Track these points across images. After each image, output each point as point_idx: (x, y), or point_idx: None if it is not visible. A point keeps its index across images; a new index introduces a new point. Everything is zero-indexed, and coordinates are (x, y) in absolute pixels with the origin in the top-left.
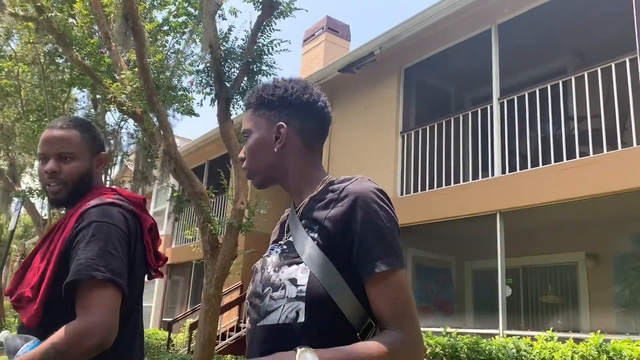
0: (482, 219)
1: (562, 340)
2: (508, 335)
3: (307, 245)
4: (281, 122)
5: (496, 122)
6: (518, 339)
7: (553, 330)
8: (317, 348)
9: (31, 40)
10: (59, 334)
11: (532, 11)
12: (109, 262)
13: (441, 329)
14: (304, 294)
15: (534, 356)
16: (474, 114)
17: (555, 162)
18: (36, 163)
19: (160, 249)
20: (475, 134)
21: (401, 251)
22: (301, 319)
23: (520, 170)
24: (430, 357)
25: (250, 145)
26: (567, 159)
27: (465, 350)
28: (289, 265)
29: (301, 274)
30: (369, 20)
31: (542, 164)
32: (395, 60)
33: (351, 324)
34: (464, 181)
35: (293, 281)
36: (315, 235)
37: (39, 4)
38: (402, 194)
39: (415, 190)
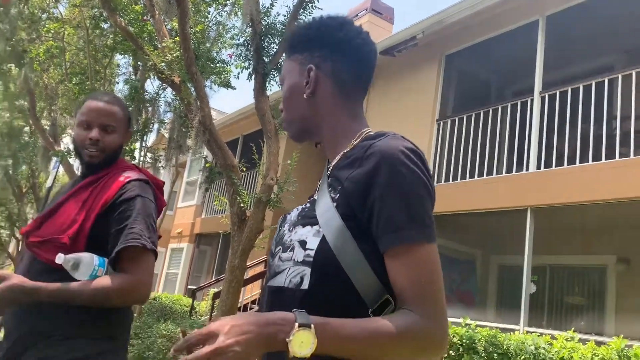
0: (513, 213)
1: (584, 342)
2: (528, 332)
3: (325, 206)
4: (310, 65)
5: (535, 116)
6: (538, 336)
7: (574, 331)
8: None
9: (78, 4)
10: (111, 281)
11: (583, 5)
12: (152, 234)
13: (460, 320)
14: (310, 259)
15: (553, 355)
16: (514, 106)
17: (593, 161)
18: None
19: (190, 218)
20: (513, 126)
21: (432, 223)
22: (304, 285)
23: (555, 167)
24: (447, 347)
25: (283, 93)
26: (606, 159)
27: (483, 342)
28: (303, 225)
29: (312, 237)
30: (414, 3)
31: (579, 162)
32: (437, 46)
33: (363, 298)
34: (497, 174)
35: (302, 243)
36: (337, 196)
37: None
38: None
39: (447, 179)
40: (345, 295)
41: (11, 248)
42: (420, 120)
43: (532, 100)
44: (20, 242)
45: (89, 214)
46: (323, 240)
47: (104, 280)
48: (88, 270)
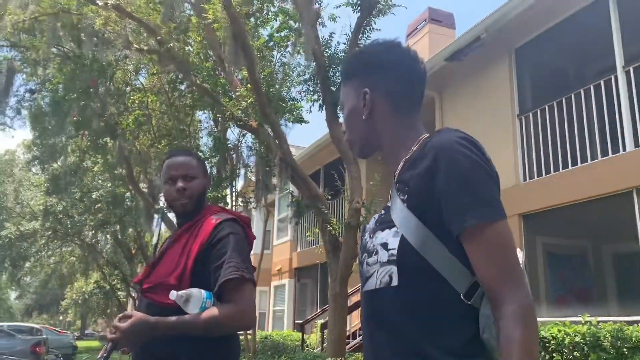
0: (616, 198)
1: None
2: None
3: (398, 208)
4: (365, 89)
5: (623, 93)
6: None
7: None
8: (415, 313)
9: (155, 71)
10: (219, 311)
11: None
12: (249, 266)
13: (579, 318)
14: (395, 257)
15: None
16: (597, 87)
17: None
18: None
19: (287, 254)
20: (600, 108)
21: (496, 201)
22: (394, 282)
23: None
24: (570, 347)
25: (344, 117)
26: None
27: (609, 338)
28: (382, 230)
29: (392, 237)
30: (473, 4)
31: None
32: (504, 42)
33: (452, 285)
34: (592, 160)
35: (385, 245)
36: (405, 197)
37: (159, 37)
38: (525, 179)
39: (540, 174)
40: (435, 285)
41: (129, 308)
42: (500, 118)
43: (616, 77)
44: (136, 302)
45: (190, 255)
46: (403, 238)
47: (213, 311)
48: (198, 303)
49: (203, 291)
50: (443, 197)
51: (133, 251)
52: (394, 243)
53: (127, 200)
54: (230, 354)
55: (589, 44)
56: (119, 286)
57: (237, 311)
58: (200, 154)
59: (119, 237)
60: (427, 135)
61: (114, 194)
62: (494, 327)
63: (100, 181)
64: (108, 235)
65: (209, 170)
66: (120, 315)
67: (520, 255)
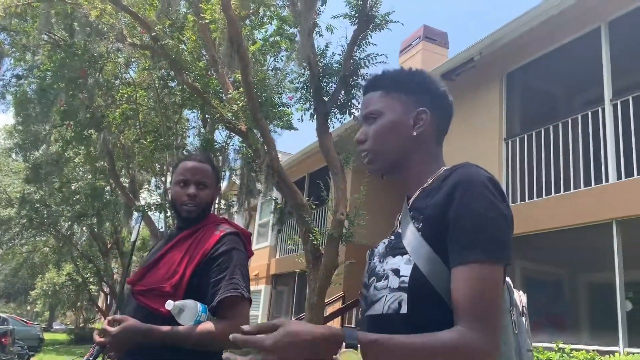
0: (597, 228)
1: None
2: (629, 353)
3: (411, 236)
4: (424, 108)
5: (609, 125)
6: None
7: None
8: None
9: (147, 67)
10: (215, 326)
11: None
12: (248, 284)
13: (553, 345)
14: (406, 285)
15: None
16: (584, 117)
17: None
18: (152, 180)
19: (265, 259)
20: (586, 138)
21: (501, 243)
22: (403, 309)
23: (638, 175)
24: None
25: (381, 126)
26: None
27: None
28: (394, 255)
29: (404, 264)
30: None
31: None
32: (496, 65)
33: None
34: (575, 188)
35: (396, 272)
36: (420, 225)
37: (154, 34)
38: None
39: (522, 199)
40: (443, 316)
41: (100, 302)
42: (487, 141)
43: (603, 109)
44: (108, 296)
45: (189, 264)
46: (415, 267)
47: (209, 325)
48: (193, 315)
49: (199, 304)
50: (451, 226)
51: (109, 245)
52: (406, 270)
53: (106, 194)
54: None
55: (579, 74)
56: (91, 280)
57: (232, 329)
58: (186, 153)
59: (96, 230)
60: (446, 167)
61: (93, 187)
62: None
63: (80, 173)
64: (84, 228)
65: None
66: (110, 318)
67: (524, 298)
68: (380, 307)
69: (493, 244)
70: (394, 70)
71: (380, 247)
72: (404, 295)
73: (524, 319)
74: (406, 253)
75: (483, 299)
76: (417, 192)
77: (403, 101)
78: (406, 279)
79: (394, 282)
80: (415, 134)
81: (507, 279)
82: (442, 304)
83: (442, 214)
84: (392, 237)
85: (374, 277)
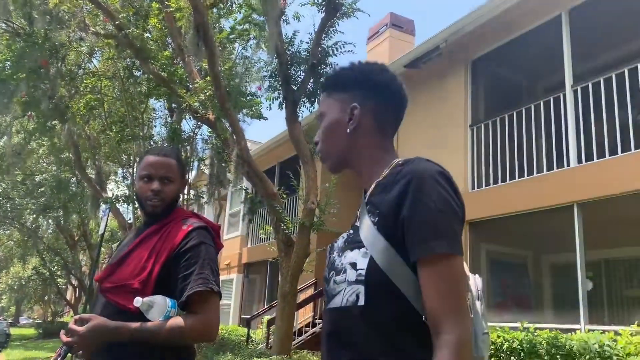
0: (559, 211)
1: None
2: (590, 330)
3: (368, 230)
4: (355, 104)
5: (570, 111)
6: (601, 333)
7: (639, 325)
8: (379, 332)
9: (112, 56)
10: (184, 321)
11: None
12: (217, 278)
13: (518, 325)
14: (363, 278)
15: (618, 351)
16: (547, 103)
17: (635, 149)
18: (119, 171)
19: (237, 249)
20: (548, 123)
21: (455, 236)
22: (361, 302)
23: (597, 159)
24: (508, 352)
25: (324, 127)
26: None
27: (545, 345)
28: (351, 249)
29: (362, 258)
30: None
31: (622, 152)
32: (461, 53)
33: (414, 307)
34: (538, 173)
35: (353, 265)
36: (376, 219)
37: (117, 22)
38: (473, 188)
39: (487, 183)
40: (399, 307)
41: (68, 295)
42: (453, 127)
43: (564, 95)
44: (77, 289)
45: (157, 260)
46: (371, 259)
47: (178, 321)
48: (162, 311)
49: (168, 299)
50: (407, 224)
51: (76, 238)
52: (362, 263)
53: (72, 185)
54: (189, 357)
55: (541, 61)
56: (59, 273)
57: (202, 323)
58: (153, 144)
59: (62, 223)
60: (399, 160)
61: (58, 179)
62: None
63: (45, 165)
64: (50, 221)
65: None
66: (77, 317)
67: (479, 281)
68: (339, 300)
69: (447, 237)
70: (337, 68)
71: (340, 242)
72: (361, 288)
73: (479, 302)
74: (363, 247)
75: (452, 295)
76: (373, 186)
77: (341, 100)
78: (363, 272)
79: (351, 275)
80: (348, 130)
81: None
82: (398, 295)
83: (396, 210)
84: (351, 231)
85: (334, 271)
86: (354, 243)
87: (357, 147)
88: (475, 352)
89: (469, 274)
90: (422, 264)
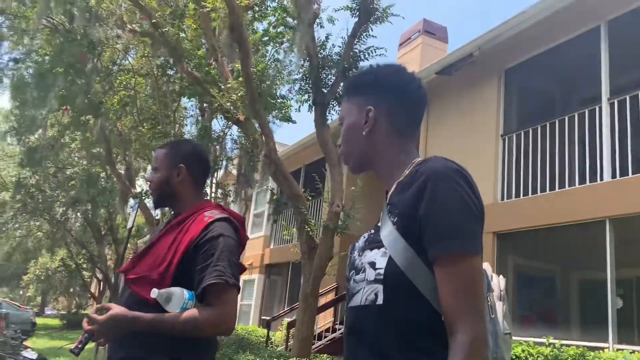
0: (590, 226)
1: None
2: (618, 350)
3: (387, 229)
4: (370, 107)
5: (606, 124)
6: (630, 353)
7: None
8: (397, 331)
9: (146, 54)
10: (199, 313)
11: None
12: (235, 271)
13: (543, 340)
14: (381, 277)
15: None
16: (581, 116)
17: None
18: (149, 167)
19: (259, 249)
20: (582, 136)
21: (473, 234)
22: (379, 301)
23: (632, 174)
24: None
25: (343, 130)
26: None
27: None
28: (371, 249)
29: (381, 257)
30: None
31: None
32: (495, 61)
33: (433, 306)
34: (570, 186)
35: (372, 265)
36: (395, 219)
37: (154, 21)
38: (503, 198)
39: (518, 195)
40: (418, 306)
41: (93, 288)
42: (484, 136)
43: (600, 108)
44: (101, 283)
45: (176, 252)
46: (390, 259)
47: (194, 312)
48: (179, 303)
49: (185, 291)
50: (424, 222)
51: (103, 232)
52: (381, 263)
53: (101, 180)
54: (208, 350)
55: (577, 72)
56: (84, 266)
57: (218, 316)
58: None
59: (90, 216)
60: (419, 159)
61: (89, 173)
62: None
63: (76, 159)
64: (79, 214)
65: None
66: (98, 306)
67: (502, 282)
68: (359, 299)
69: (463, 236)
70: (355, 74)
71: (361, 241)
72: (380, 287)
73: (501, 302)
74: (383, 246)
75: (470, 294)
76: (394, 186)
77: (358, 103)
78: (382, 271)
79: (370, 274)
80: (364, 133)
81: (485, 263)
82: (416, 294)
83: (414, 209)
84: (372, 231)
85: (354, 271)
86: (374, 243)
87: (376, 148)
88: (495, 353)
89: (492, 274)
90: (439, 262)
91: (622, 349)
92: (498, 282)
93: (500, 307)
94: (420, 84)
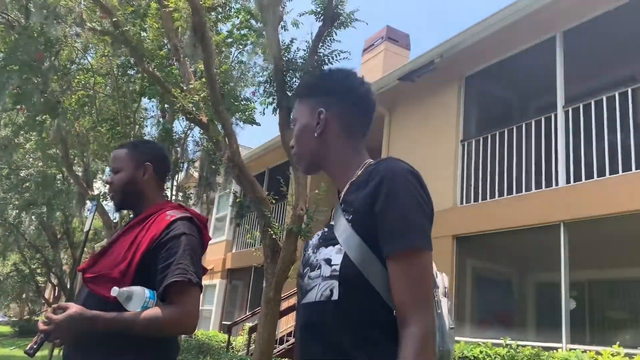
0: (545, 229)
1: (630, 356)
2: (571, 349)
3: (342, 227)
4: (321, 108)
5: (561, 131)
6: (582, 352)
7: (620, 346)
8: (352, 326)
9: (106, 53)
10: (161, 311)
11: (599, 18)
12: (198, 269)
13: (501, 341)
14: (337, 273)
15: None
16: (538, 123)
17: (623, 171)
18: (107, 169)
19: (221, 253)
20: (538, 142)
21: (425, 231)
22: (335, 296)
23: (586, 180)
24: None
25: (296, 131)
26: (637, 168)
27: None
28: (326, 246)
29: (336, 254)
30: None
31: (610, 174)
32: (456, 69)
33: (386, 302)
34: (526, 191)
35: (328, 261)
36: (350, 217)
37: (115, 19)
38: (462, 202)
39: (476, 199)
40: (371, 302)
41: (47, 294)
42: (444, 142)
43: (555, 115)
44: (56, 288)
45: (137, 250)
46: (345, 255)
47: (155, 311)
48: (140, 302)
49: (146, 290)
50: (379, 219)
51: (58, 236)
52: (337, 259)
53: (58, 182)
54: (169, 352)
55: (534, 80)
56: (39, 270)
57: (180, 314)
58: None
59: (45, 219)
60: (371, 160)
61: (44, 175)
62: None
63: (31, 160)
64: (33, 217)
65: None
66: (55, 306)
67: (446, 279)
68: (314, 295)
69: (417, 233)
70: (307, 77)
71: (315, 239)
72: (335, 283)
73: (446, 299)
74: (337, 243)
75: (420, 287)
76: (347, 186)
77: (310, 105)
78: (337, 267)
79: (326, 270)
80: (315, 134)
81: None
82: (371, 290)
83: (369, 207)
84: (326, 229)
85: (308, 267)
86: (329, 240)
87: (327, 149)
88: (442, 346)
89: (436, 271)
90: (394, 257)
91: (575, 349)
92: (442, 280)
93: (445, 303)
94: (370, 88)
